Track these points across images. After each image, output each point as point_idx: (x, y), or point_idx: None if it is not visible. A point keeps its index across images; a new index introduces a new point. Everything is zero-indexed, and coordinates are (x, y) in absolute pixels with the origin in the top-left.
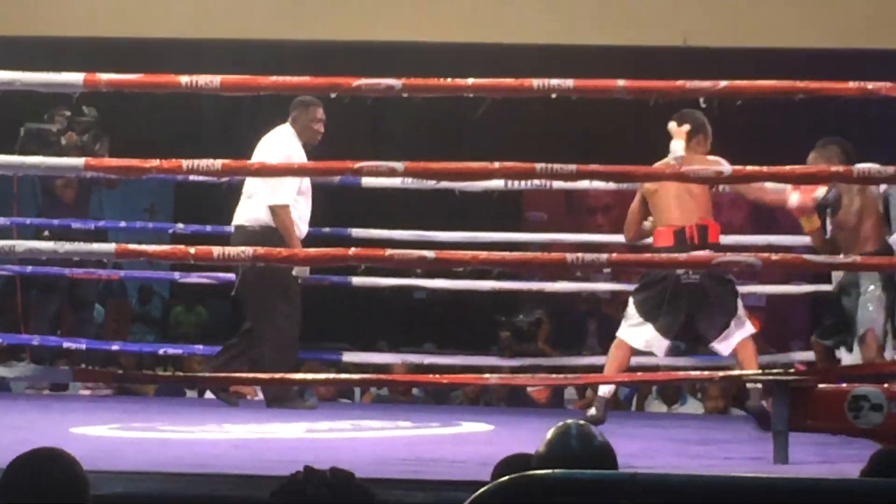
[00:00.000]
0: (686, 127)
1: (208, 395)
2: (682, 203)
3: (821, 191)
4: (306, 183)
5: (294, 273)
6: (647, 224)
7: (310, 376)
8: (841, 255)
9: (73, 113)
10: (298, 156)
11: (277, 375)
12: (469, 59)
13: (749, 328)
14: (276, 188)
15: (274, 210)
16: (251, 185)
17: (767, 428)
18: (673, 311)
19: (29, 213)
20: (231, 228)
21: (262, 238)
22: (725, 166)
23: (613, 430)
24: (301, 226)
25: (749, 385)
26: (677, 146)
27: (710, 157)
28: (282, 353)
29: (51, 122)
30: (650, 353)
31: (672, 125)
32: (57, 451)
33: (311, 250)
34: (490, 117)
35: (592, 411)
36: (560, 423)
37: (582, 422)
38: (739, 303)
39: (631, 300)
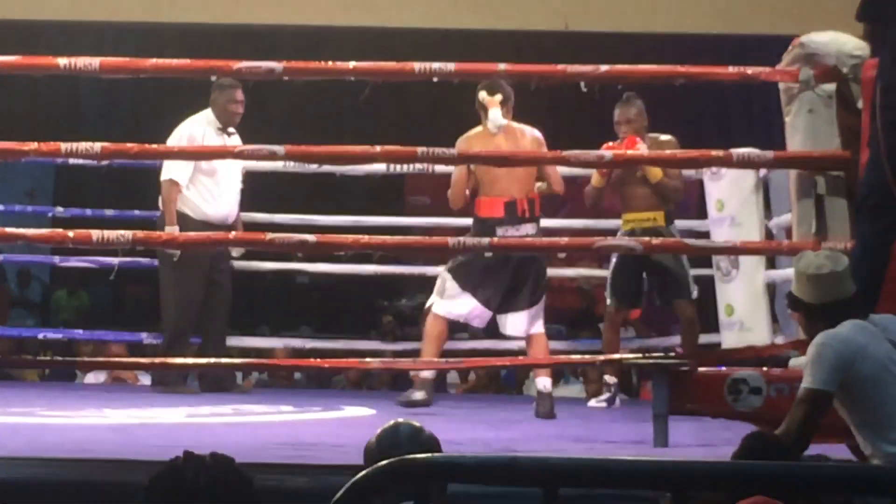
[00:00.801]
0: (499, 96)
1: (88, 379)
2: (512, 176)
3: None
4: (213, 163)
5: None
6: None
7: (191, 360)
8: None
9: None
10: (202, 137)
11: (158, 360)
12: (351, 43)
13: (542, 326)
14: (168, 165)
15: (161, 184)
16: None
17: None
18: (494, 284)
19: None
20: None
21: (162, 220)
22: (539, 134)
23: (495, 414)
24: (206, 204)
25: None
26: (496, 114)
27: (523, 126)
28: (175, 335)
29: None
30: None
31: (483, 94)
32: None
33: (192, 234)
34: (373, 101)
35: (419, 395)
36: (391, 421)
37: (413, 420)
38: (542, 291)
39: (445, 273)
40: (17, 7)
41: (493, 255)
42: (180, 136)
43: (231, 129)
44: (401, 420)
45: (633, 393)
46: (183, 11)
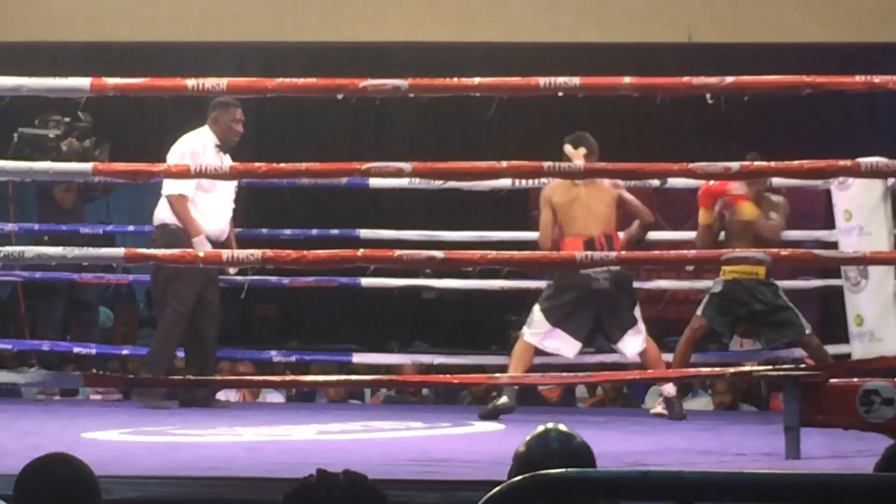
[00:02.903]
0: (582, 150)
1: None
2: (592, 215)
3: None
4: (214, 182)
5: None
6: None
7: (321, 378)
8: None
9: (71, 119)
10: (204, 152)
11: (289, 378)
12: (470, 59)
13: (643, 340)
14: (171, 181)
15: (169, 200)
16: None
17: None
18: (582, 316)
19: (25, 218)
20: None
21: (158, 235)
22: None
23: (623, 427)
24: (205, 220)
25: None
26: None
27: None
28: (163, 351)
29: (44, 126)
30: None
31: (568, 148)
32: (68, 457)
33: (322, 252)
34: (493, 116)
35: (504, 399)
36: (540, 426)
37: (562, 425)
38: (638, 311)
39: (537, 308)
40: (144, 30)
41: (580, 292)
42: (182, 153)
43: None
44: (551, 426)
45: (762, 405)
46: (306, 31)
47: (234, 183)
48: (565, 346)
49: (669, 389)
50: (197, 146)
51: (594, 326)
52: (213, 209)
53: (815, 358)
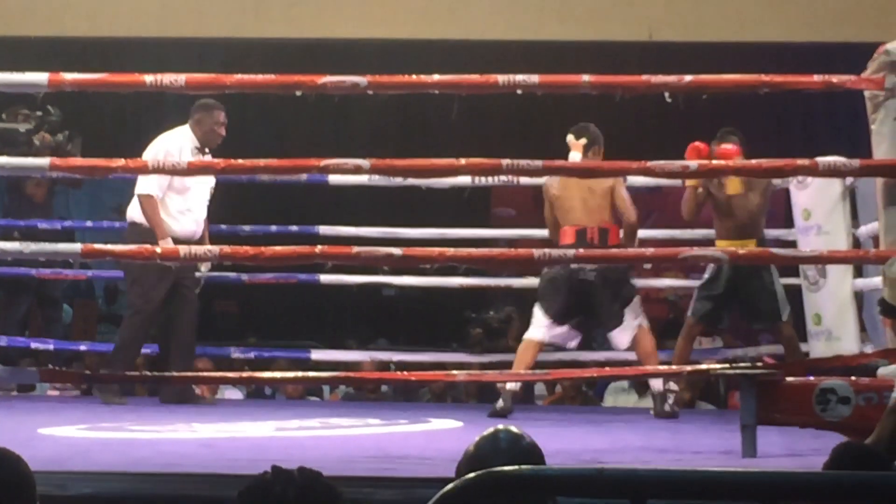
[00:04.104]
0: (583, 140)
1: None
2: (585, 206)
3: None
4: (186, 181)
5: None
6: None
7: (279, 374)
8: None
9: (42, 113)
10: (179, 153)
11: (247, 374)
12: (431, 56)
13: (634, 328)
14: (143, 180)
15: (139, 200)
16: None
17: None
18: (575, 307)
19: None
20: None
21: (128, 234)
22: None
23: (581, 425)
24: (174, 222)
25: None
26: (575, 157)
27: None
28: (126, 348)
29: (13, 120)
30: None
31: (570, 138)
32: (2, 451)
33: (280, 248)
34: (455, 114)
35: (500, 403)
36: (491, 428)
37: (512, 426)
38: (632, 307)
39: (537, 306)
40: (104, 25)
41: (568, 285)
42: (156, 152)
43: (206, 150)
44: (501, 427)
45: (720, 403)
46: (267, 26)
47: (210, 184)
48: (567, 337)
49: (658, 385)
50: (172, 147)
51: (588, 315)
52: (184, 211)
53: (786, 348)
